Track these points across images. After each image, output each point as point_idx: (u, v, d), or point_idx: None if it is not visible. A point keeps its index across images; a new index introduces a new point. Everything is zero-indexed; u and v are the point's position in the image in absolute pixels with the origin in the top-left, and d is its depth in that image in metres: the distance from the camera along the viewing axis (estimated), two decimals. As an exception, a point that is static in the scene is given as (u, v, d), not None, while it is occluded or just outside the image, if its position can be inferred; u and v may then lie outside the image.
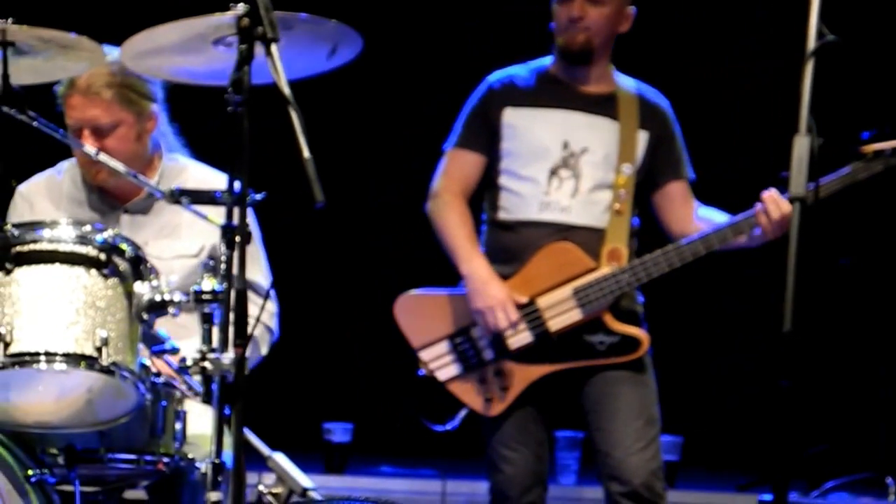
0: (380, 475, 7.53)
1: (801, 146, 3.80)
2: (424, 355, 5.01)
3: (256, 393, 3.89)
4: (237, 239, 3.79)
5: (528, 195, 4.96)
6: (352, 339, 8.17)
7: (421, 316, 5.02)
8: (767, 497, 6.90)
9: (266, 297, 4.46)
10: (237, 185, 3.77)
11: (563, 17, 4.95)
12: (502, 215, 5.03)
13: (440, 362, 4.99)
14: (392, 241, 8.02)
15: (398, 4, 8.01)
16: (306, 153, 3.63)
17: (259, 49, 3.75)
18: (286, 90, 3.66)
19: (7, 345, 3.84)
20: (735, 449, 7.82)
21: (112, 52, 4.21)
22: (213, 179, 4.63)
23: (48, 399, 3.98)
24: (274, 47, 3.71)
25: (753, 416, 6.67)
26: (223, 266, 3.79)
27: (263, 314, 4.33)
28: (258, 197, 3.89)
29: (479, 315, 4.90)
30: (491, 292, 4.88)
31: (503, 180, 5.02)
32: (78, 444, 4.04)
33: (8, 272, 3.91)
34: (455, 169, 5.04)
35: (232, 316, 3.73)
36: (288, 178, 3.99)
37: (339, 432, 7.41)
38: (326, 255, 8.14)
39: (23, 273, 3.91)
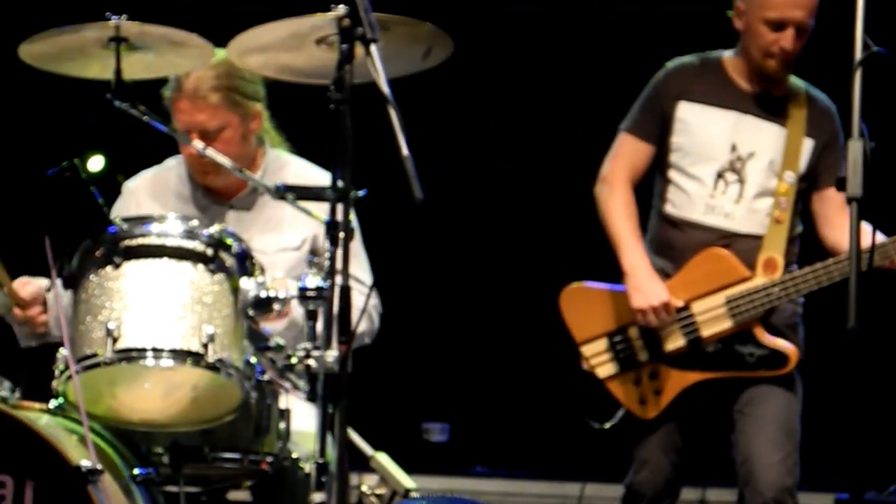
0: (475, 475, 7.52)
1: (855, 150, 3.92)
2: (585, 351, 5.01)
3: (357, 391, 3.87)
4: (341, 235, 3.79)
5: (694, 195, 4.97)
6: (451, 338, 8.16)
7: (584, 309, 5.02)
8: (844, 496, 6.81)
9: (371, 288, 4.46)
10: (340, 181, 3.78)
11: (769, 40, 4.89)
12: (669, 209, 5.02)
13: (600, 359, 5.00)
14: (487, 241, 8.01)
15: (489, 9, 8.01)
16: (405, 151, 3.63)
17: (359, 48, 3.78)
18: (385, 89, 3.67)
19: (115, 340, 3.85)
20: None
21: (219, 53, 4.23)
22: (314, 175, 4.63)
23: (154, 396, 3.98)
24: (373, 47, 3.74)
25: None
26: (327, 262, 3.79)
27: (364, 303, 4.32)
28: (361, 193, 3.88)
29: (640, 313, 4.90)
30: (654, 290, 4.89)
31: (672, 174, 5.02)
32: (183, 443, 4.04)
33: (117, 266, 3.92)
34: (625, 154, 5.05)
35: (336, 312, 3.71)
36: (387, 176, 3.99)
37: (437, 432, 7.40)
38: (425, 252, 8.13)
39: (131, 267, 3.93)
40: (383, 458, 4.50)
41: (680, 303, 4.92)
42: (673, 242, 5.00)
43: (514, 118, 6.84)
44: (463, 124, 8.08)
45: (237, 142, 4.57)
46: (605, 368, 5.00)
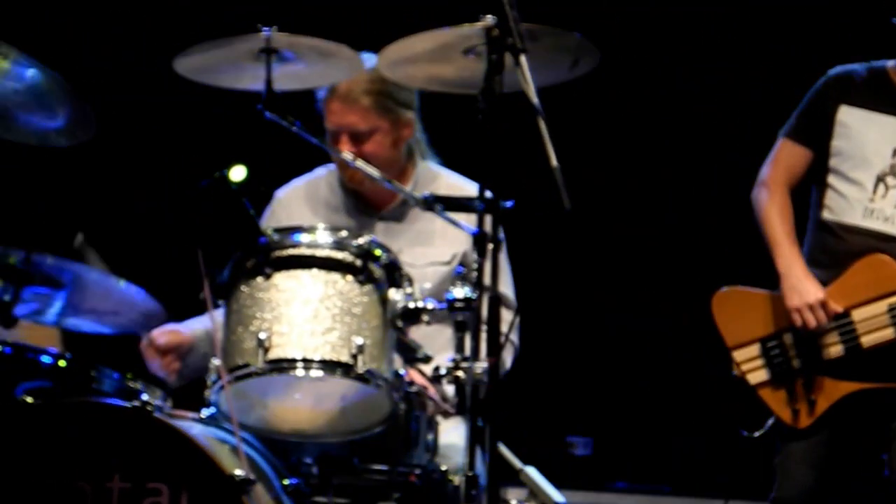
0: (618, 490, 7.45)
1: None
2: (737, 356, 4.95)
3: (506, 405, 3.85)
4: (489, 247, 3.78)
5: (853, 199, 4.89)
6: (596, 351, 8.10)
7: (737, 314, 4.94)
8: None
9: (516, 312, 4.44)
10: (488, 192, 3.77)
11: None
12: (826, 215, 4.93)
13: (752, 365, 4.92)
14: (635, 251, 7.94)
15: (637, 19, 7.94)
16: (554, 161, 3.61)
17: (508, 59, 3.78)
18: (534, 99, 3.65)
19: (266, 350, 3.87)
20: None
21: (371, 59, 4.24)
22: (465, 188, 4.62)
23: (304, 406, 4.00)
24: (522, 57, 3.72)
25: None
26: (474, 274, 3.77)
27: (507, 327, 4.30)
28: (508, 204, 3.86)
29: (795, 312, 4.82)
30: (809, 290, 4.80)
31: (831, 179, 4.94)
32: (332, 453, 4.05)
33: (267, 277, 3.94)
34: (783, 159, 5.00)
35: (485, 325, 3.70)
36: (535, 186, 3.97)
37: (581, 446, 7.35)
38: (572, 262, 8.09)
39: (281, 278, 3.94)
40: (533, 472, 4.45)
41: (839, 309, 4.82)
42: (831, 249, 4.90)
43: (664, 127, 6.78)
44: (611, 133, 8.03)
45: (387, 146, 4.58)
46: (756, 375, 4.91)
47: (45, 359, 4.25)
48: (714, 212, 5.77)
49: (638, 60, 7.59)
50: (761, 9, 6.76)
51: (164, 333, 4.40)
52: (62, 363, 4.25)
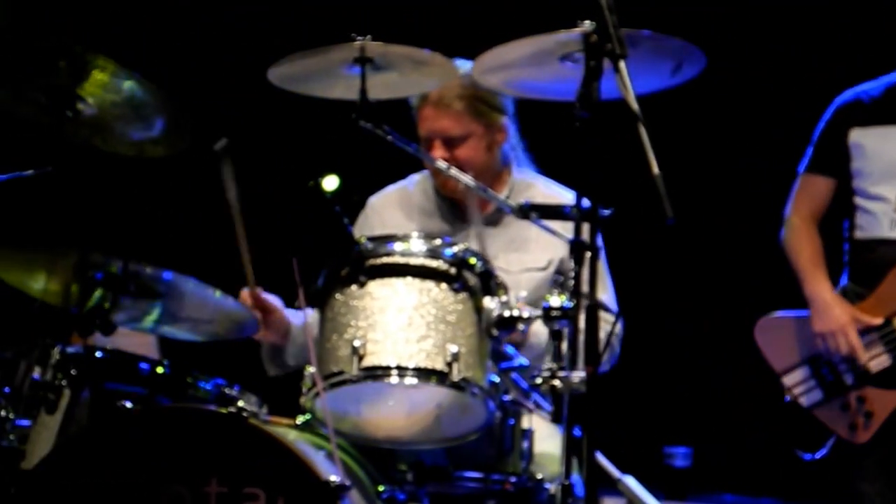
0: (718, 502, 7.37)
1: None
2: (787, 380, 4.95)
3: (603, 413, 3.82)
4: (587, 255, 3.76)
5: (879, 213, 4.94)
6: (695, 362, 8.04)
7: (780, 339, 4.99)
8: None
9: (616, 317, 4.41)
10: (586, 200, 3.74)
11: None
12: (858, 234, 5.00)
13: (803, 388, 4.93)
14: (737, 263, 7.87)
15: (743, 23, 7.86)
16: (655, 169, 3.57)
17: (606, 65, 3.72)
18: (635, 106, 3.61)
19: (361, 358, 3.88)
20: None
21: (464, 65, 4.24)
22: (561, 196, 4.61)
23: (398, 414, 4.00)
24: (622, 63, 3.68)
25: None
26: (571, 282, 3.75)
27: (607, 333, 4.27)
28: (606, 213, 3.83)
29: (821, 338, 4.87)
30: (832, 315, 4.86)
31: (857, 200, 5.01)
32: (427, 461, 4.05)
33: (362, 285, 3.95)
34: (805, 194, 5.09)
35: (582, 334, 3.68)
36: (635, 195, 3.93)
37: (680, 457, 7.29)
38: (673, 272, 8.02)
39: (376, 286, 3.95)
40: (631, 482, 4.41)
41: (878, 320, 4.82)
42: (865, 264, 4.94)
43: (770, 134, 6.71)
44: (715, 141, 7.95)
45: (481, 151, 4.57)
46: (809, 396, 4.91)
47: (143, 365, 4.30)
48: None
49: (743, 64, 7.52)
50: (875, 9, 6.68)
51: (272, 298, 4.45)
52: (159, 370, 4.30)
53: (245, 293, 4.45)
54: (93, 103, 4.17)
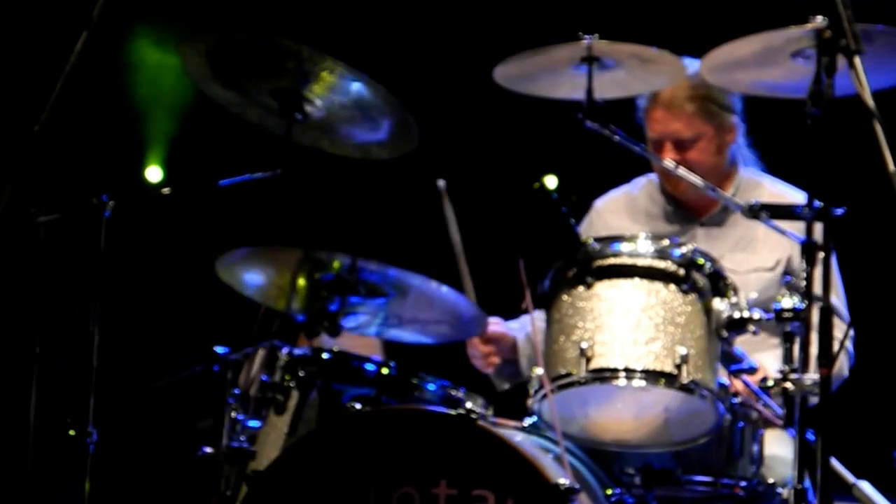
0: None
1: None
2: None
3: (838, 417, 3.73)
4: (819, 255, 3.68)
5: None
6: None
7: None
8: None
9: (848, 326, 4.30)
10: (817, 200, 3.67)
11: None
12: None
13: None
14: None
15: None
16: (892, 166, 3.47)
17: (839, 61, 3.66)
18: (870, 102, 3.52)
19: (588, 360, 3.84)
20: None
21: (692, 64, 4.18)
22: (788, 195, 4.51)
23: (626, 417, 3.96)
24: (857, 59, 3.59)
25: None
26: (803, 283, 3.67)
27: (839, 341, 4.16)
28: (839, 212, 3.74)
29: None
30: None
31: None
32: (655, 465, 3.99)
33: (589, 286, 3.92)
34: None
35: (815, 336, 3.59)
36: (869, 193, 3.83)
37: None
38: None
39: (603, 287, 3.91)
40: (866, 487, 4.30)
41: None
42: None
43: None
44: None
45: (711, 152, 4.51)
46: None
47: (369, 367, 4.33)
48: None
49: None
50: None
51: (493, 323, 4.44)
52: (385, 371, 4.32)
53: (476, 342, 4.45)
54: (320, 106, 4.21)
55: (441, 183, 4.41)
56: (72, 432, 3.88)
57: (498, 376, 4.55)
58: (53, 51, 4.34)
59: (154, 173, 7.47)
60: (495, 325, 4.48)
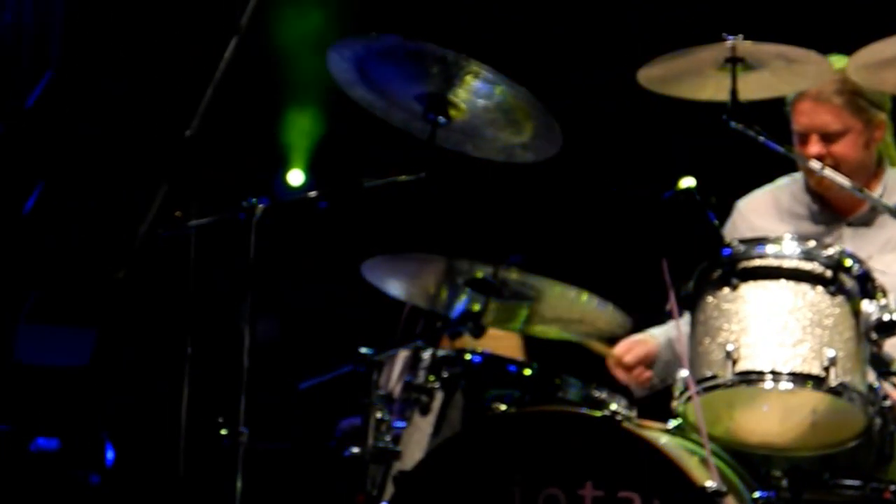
0: None
1: None
2: None
3: None
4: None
5: None
6: None
7: None
8: None
9: None
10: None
11: None
12: None
13: None
14: None
15: None
16: None
17: None
18: None
19: (734, 362, 3.82)
20: None
21: (840, 60, 4.14)
22: None
23: (772, 419, 3.93)
24: None
25: None
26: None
27: None
28: None
29: None
30: None
31: None
32: (802, 468, 3.96)
33: (734, 288, 3.89)
34: None
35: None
36: None
37: None
38: None
39: (748, 289, 3.89)
40: None
41: None
42: None
43: None
44: None
45: (859, 147, 4.44)
46: None
47: (513, 368, 4.34)
48: None
49: None
50: None
51: (630, 349, 4.43)
52: (527, 372, 4.33)
53: (620, 371, 4.44)
54: (465, 109, 4.24)
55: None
56: (223, 432, 3.95)
57: (647, 389, 4.53)
58: (202, 56, 4.43)
59: (296, 176, 7.58)
60: (636, 347, 4.45)
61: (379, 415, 4.20)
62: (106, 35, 7.08)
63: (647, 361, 4.43)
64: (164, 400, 4.27)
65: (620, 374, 4.44)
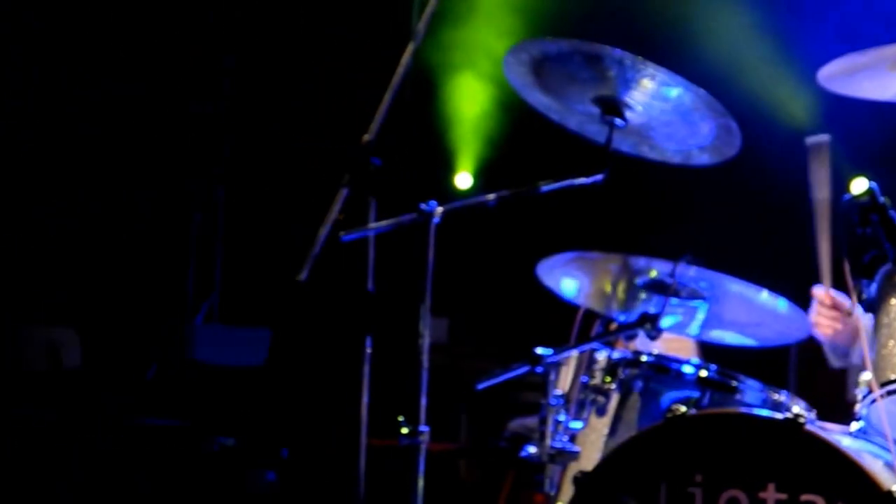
0: None
1: None
2: None
3: None
4: None
5: None
6: None
7: None
8: None
9: None
10: None
11: None
12: None
13: None
14: None
15: None
16: None
17: None
18: None
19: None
20: None
21: None
22: None
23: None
24: None
25: None
26: None
27: None
28: None
29: None
30: None
31: None
32: None
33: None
34: None
35: None
36: None
37: None
38: None
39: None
40: None
41: None
42: None
43: None
44: None
45: None
46: None
47: (689, 369, 4.33)
48: None
49: None
50: None
51: (834, 297, 4.36)
52: (704, 373, 4.32)
53: (820, 291, 4.37)
54: (641, 111, 4.24)
55: (818, 138, 4.29)
56: (404, 431, 4.00)
57: (833, 350, 4.44)
58: (379, 62, 4.49)
59: (464, 180, 7.63)
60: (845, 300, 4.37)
61: (555, 415, 4.22)
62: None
63: (842, 312, 4.35)
64: (342, 400, 4.34)
65: (816, 307, 4.36)
